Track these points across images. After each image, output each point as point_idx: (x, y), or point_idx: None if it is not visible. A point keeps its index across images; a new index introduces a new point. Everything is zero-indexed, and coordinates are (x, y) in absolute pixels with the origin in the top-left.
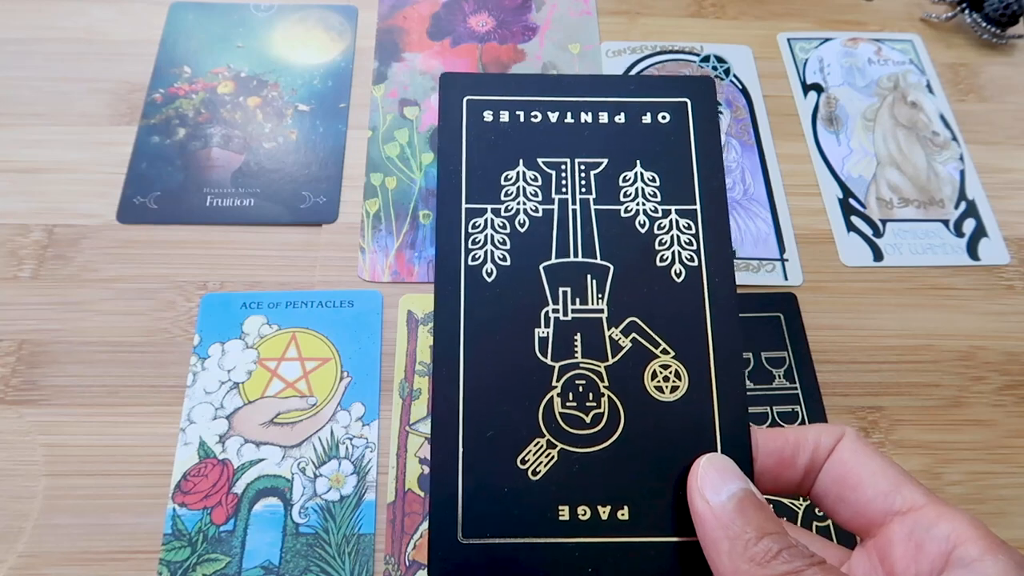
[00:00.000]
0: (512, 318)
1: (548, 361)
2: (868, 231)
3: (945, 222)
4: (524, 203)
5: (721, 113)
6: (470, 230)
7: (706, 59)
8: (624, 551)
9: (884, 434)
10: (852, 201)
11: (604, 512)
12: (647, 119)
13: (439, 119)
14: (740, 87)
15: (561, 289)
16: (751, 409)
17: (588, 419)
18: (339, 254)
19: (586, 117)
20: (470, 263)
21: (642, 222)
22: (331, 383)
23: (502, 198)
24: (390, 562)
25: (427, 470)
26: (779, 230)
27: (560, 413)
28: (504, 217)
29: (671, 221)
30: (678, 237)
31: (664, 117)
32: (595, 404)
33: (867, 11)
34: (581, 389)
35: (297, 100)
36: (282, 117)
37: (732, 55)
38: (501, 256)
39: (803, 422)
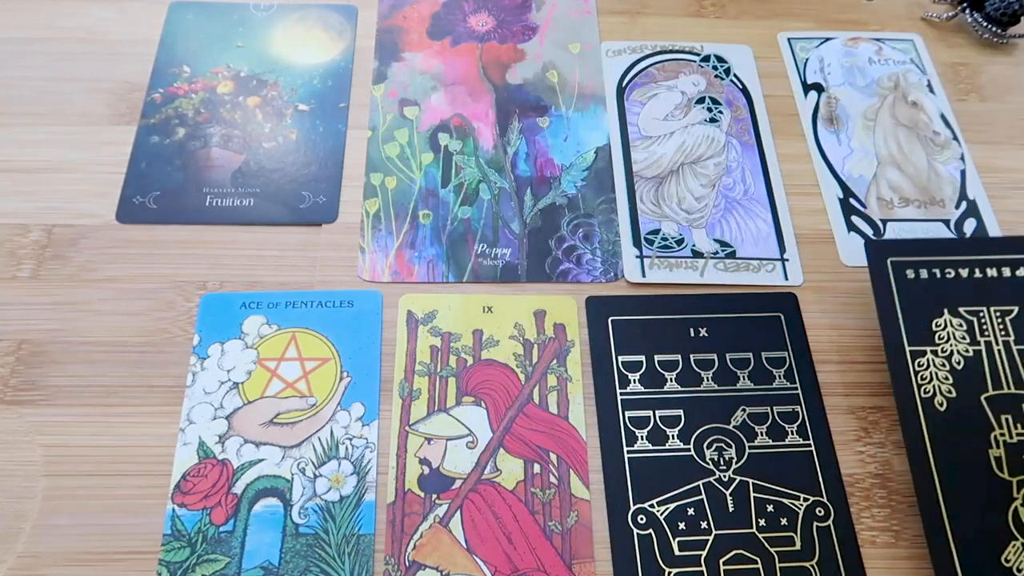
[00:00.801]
0: (966, 441)
1: (1006, 476)
2: (869, 231)
3: (946, 222)
4: (955, 344)
5: (721, 112)
6: (916, 367)
7: (706, 59)
8: None
9: (884, 434)
10: (852, 201)
11: None
12: None
13: (873, 283)
14: (740, 87)
15: (1003, 416)
16: (750, 409)
17: None
18: (339, 254)
19: (992, 272)
20: (922, 396)
21: None
22: (331, 383)
23: (936, 341)
24: (390, 562)
25: (427, 470)
26: (779, 230)
27: None
28: (943, 357)
29: None
30: None
31: None
32: None
33: (867, 11)
34: None
35: (297, 100)
36: (282, 117)
37: (732, 55)
38: (947, 390)
39: (803, 422)
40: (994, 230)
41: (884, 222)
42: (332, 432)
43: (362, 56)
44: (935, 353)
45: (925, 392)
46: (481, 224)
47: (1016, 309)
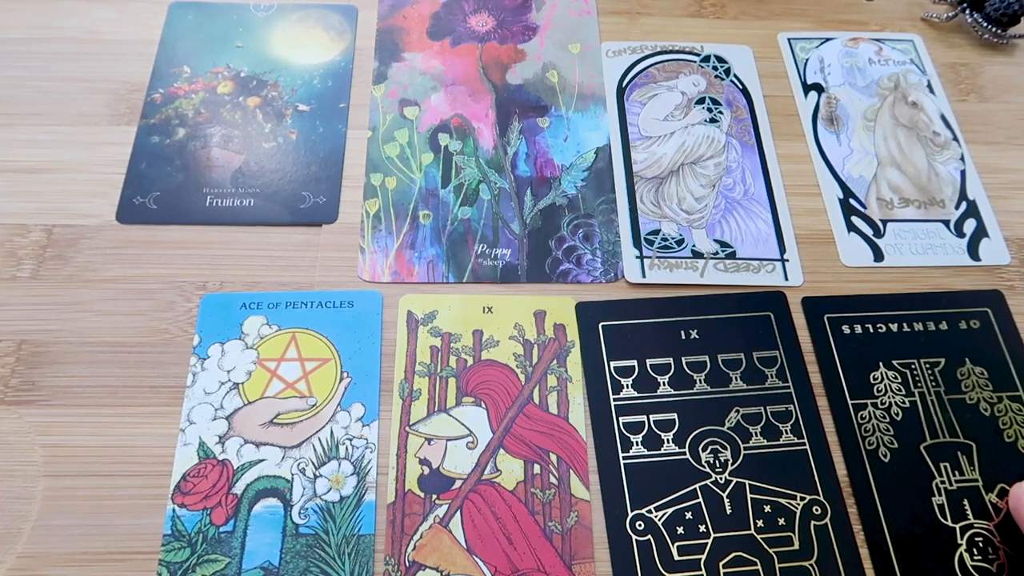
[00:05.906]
0: (911, 490)
1: (949, 523)
2: (868, 231)
3: (946, 222)
4: (893, 396)
5: (721, 113)
6: (859, 420)
7: (706, 59)
8: None
9: None
10: (852, 201)
11: None
12: (963, 325)
13: (812, 340)
14: (740, 87)
15: (942, 464)
16: (744, 410)
17: (994, 569)
18: (339, 254)
19: (919, 326)
20: (867, 448)
21: (984, 408)
22: (331, 383)
23: (875, 393)
24: (390, 563)
25: (427, 471)
26: (779, 230)
27: (972, 565)
28: (882, 409)
29: (1006, 406)
30: (1015, 419)
31: (975, 323)
32: (996, 556)
33: (868, 11)
34: (981, 545)
35: (297, 100)
36: (282, 117)
37: (732, 55)
38: (889, 441)
39: (797, 421)
40: (994, 230)
41: (884, 222)
42: (332, 432)
43: (362, 56)
44: (875, 405)
45: (869, 444)
46: (481, 224)
47: (943, 361)
